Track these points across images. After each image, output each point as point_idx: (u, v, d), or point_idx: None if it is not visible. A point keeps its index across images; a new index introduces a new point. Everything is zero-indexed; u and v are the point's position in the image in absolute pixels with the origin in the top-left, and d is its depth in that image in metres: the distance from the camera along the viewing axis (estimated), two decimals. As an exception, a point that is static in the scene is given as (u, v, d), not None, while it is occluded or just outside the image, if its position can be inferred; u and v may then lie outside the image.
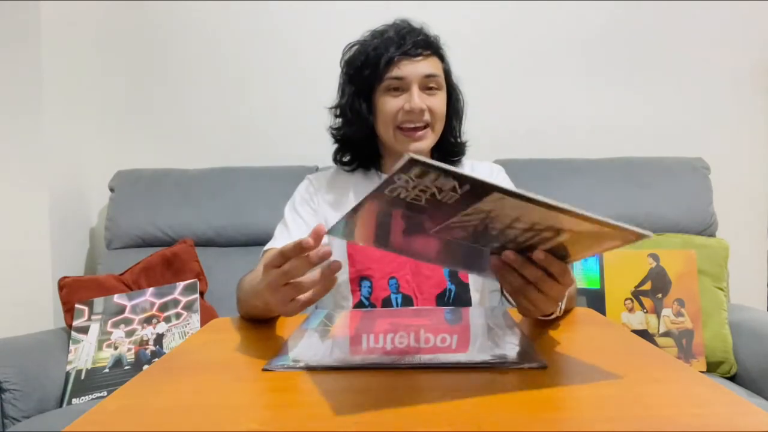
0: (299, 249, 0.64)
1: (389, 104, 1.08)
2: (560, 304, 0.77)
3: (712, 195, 1.82)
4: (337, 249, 1.12)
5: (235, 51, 2.03)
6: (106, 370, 1.49)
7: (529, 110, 2.00)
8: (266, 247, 1.10)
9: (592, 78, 2.01)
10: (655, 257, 1.58)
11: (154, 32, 2.03)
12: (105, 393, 1.45)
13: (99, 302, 1.58)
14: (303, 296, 0.67)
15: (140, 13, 2.02)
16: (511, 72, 2.01)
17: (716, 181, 1.83)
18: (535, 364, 0.61)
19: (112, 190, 1.90)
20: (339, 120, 1.16)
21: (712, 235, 1.79)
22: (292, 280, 0.66)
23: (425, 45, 1.10)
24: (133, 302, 1.59)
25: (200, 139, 2.05)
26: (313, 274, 0.66)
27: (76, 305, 1.57)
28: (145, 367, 1.47)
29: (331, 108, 1.17)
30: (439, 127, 1.11)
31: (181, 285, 1.63)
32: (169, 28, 2.03)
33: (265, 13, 2.02)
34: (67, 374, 1.47)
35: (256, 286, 0.77)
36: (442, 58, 1.15)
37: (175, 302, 1.60)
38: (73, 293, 1.60)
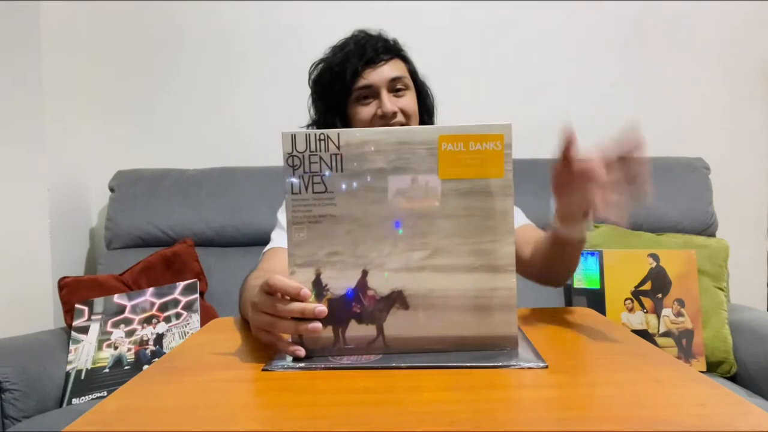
0: (293, 293, 0.64)
1: (362, 113, 1.11)
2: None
3: (712, 195, 1.82)
4: None
5: (235, 51, 2.03)
6: (106, 370, 1.49)
7: (528, 110, 2.00)
8: (266, 248, 1.10)
9: (591, 77, 2.01)
10: (655, 257, 1.58)
11: (154, 32, 2.03)
12: (105, 393, 1.45)
13: (99, 302, 1.58)
14: (275, 335, 0.67)
15: (140, 13, 2.02)
16: (510, 72, 2.01)
17: (716, 181, 1.83)
18: (536, 364, 0.61)
19: (112, 190, 1.90)
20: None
21: (712, 235, 1.79)
22: (275, 314, 0.65)
23: (385, 50, 1.13)
24: (133, 302, 1.59)
25: (200, 139, 2.05)
26: (292, 325, 0.65)
27: (76, 305, 1.57)
28: (145, 367, 1.47)
29: (306, 126, 1.19)
30: (414, 125, 1.14)
31: (181, 285, 1.63)
32: (169, 28, 2.03)
33: (264, 14, 2.02)
34: (67, 374, 1.47)
35: (250, 298, 0.77)
36: (405, 59, 1.18)
37: (175, 302, 1.60)
38: (73, 293, 1.60)
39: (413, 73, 1.19)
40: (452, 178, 0.64)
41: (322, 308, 0.64)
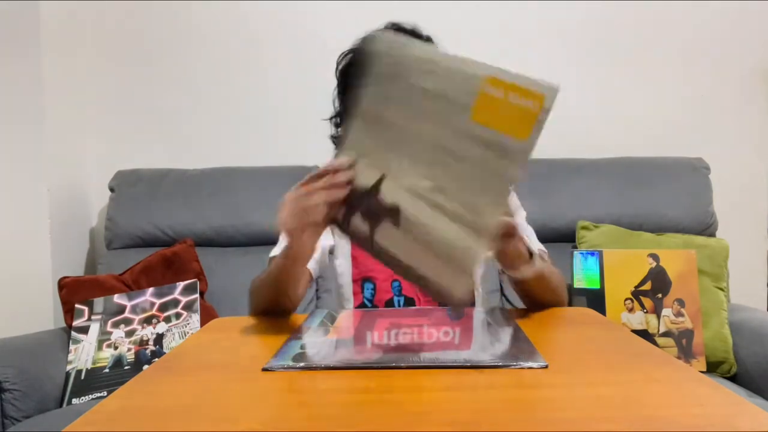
0: (338, 165, 0.72)
1: None
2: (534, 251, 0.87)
3: (712, 195, 1.82)
4: (341, 250, 1.12)
5: (235, 51, 2.03)
6: (106, 370, 1.49)
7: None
8: (272, 254, 1.09)
9: (591, 77, 2.01)
10: (655, 257, 1.58)
11: (154, 32, 2.03)
12: (105, 393, 1.45)
13: (99, 302, 1.58)
14: (311, 211, 0.73)
15: (140, 13, 2.02)
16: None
17: (716, 181, 1.83)
18: (536, 364, 0.61)
19: (112, 190, 1.90)
20: (339, 129, 1.16)
21: (712, 235, 1.79)
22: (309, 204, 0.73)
23: None
24: (133, 302, 1.59)
25: (200, 139, 2.05)
26: (323, 193, 0.72)
27: (76, 305, 1.57)
28: (145, 367, 1.47)
29: (330, 118, 1.17)
30: None
31: (181, 285, 1.63)
32: (169, 28, 2.03)
33: (264, 14, 2.02)
34: (67, 374, 1.47)
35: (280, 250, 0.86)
36: None
37: (175, 302, 1.60)
38: (73, 293, 1.60)
39: None
40: (482, 123, 0.64)
41: (342, 160, 0.72)
